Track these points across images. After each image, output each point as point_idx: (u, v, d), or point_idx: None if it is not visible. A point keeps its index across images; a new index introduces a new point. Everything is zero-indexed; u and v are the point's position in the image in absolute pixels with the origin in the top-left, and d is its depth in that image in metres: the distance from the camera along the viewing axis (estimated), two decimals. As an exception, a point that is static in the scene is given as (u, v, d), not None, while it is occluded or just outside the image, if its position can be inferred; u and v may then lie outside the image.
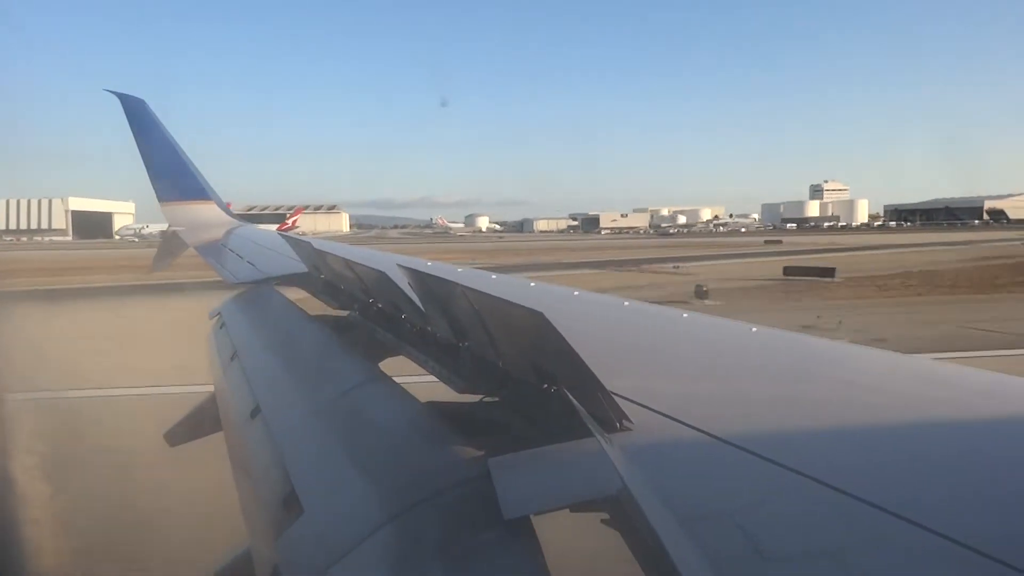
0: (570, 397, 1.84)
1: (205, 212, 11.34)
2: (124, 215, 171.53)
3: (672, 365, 2.80)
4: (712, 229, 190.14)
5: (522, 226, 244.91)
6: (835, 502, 1.42)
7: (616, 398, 1.89)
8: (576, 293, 4.39)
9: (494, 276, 5.20)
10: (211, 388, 4.60)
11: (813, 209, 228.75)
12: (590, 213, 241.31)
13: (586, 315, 3.84)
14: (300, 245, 5.49)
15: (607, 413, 1.84)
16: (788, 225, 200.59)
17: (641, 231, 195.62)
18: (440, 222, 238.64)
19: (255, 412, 3.09)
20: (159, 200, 11.25)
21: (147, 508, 8.58)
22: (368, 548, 1.69)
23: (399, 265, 3.29)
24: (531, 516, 1.54)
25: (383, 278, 3.27)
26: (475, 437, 2.07)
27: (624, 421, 1.85)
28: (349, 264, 3.96)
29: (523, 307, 1.86)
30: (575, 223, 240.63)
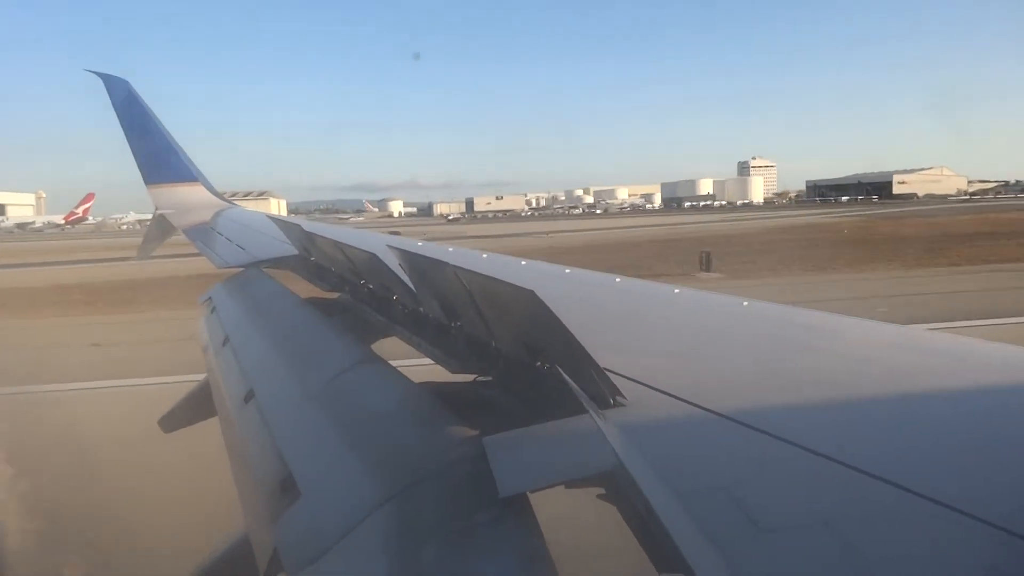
0: (563, 374, 1.84)
1: (193, 194, 11.21)
2: (21, 207, 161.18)
3: (664, 340, 2.80)
4: (583, 210, 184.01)
5: (429, 209, 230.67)
6: (830, 473, 1.43)
7: (609, 374, 1.90)
8: (568, 271, 4.38)
9: (484, 255, 5.18)
10: (204, 375, 4.59)
11: (706, 187, 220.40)
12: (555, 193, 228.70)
13: (578, 293, 3.83)
14: (290, 227, 5.45)
15: (600, 389, 1.84)
16: (656, 205, 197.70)
17: (521, 213, 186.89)
18: (367, 207, 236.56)
19: (249, 397, 3.08)
20: (146, 183, 11.12)
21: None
22: (366, 528, 1.70)
23: (389, 246, 3.27)
24: (527, 493, 1.55)
25: (373, 259, 3.25)
26: (469, 417, 2.07)
27: (617, 397, 1.86)
28: (339, 246, 3.93)
29: (514, 286, 1.85)
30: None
